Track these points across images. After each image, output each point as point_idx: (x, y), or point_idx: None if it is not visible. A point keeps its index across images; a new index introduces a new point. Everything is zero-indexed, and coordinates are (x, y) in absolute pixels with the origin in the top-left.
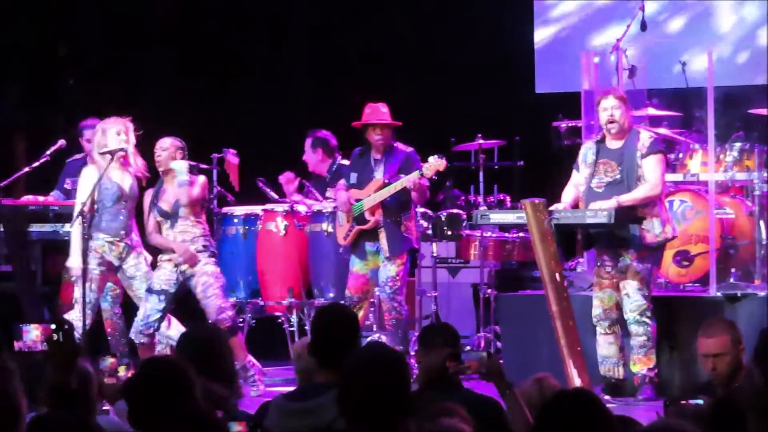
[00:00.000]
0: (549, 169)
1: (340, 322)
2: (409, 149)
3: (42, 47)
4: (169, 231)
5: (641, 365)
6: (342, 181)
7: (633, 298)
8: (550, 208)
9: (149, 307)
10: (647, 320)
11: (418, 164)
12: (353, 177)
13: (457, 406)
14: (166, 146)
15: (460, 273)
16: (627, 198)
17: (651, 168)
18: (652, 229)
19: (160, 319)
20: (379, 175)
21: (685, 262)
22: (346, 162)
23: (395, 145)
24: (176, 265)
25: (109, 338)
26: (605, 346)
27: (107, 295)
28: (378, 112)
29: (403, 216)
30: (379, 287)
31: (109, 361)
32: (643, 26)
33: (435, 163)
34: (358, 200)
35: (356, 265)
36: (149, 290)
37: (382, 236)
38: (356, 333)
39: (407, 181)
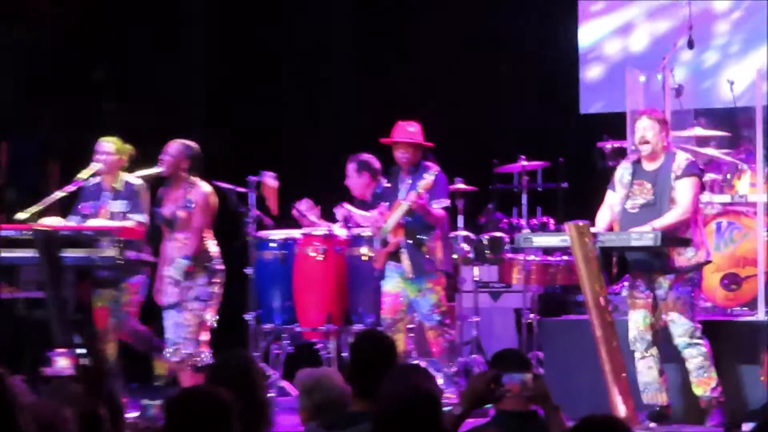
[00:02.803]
0: (594, 190)
1: (378, 349)
2: (435, 169)
3: (79, 70)
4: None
5: (704, 387)
6: (385, 204)
7: (679, 322)
8: (594, 231)
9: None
10: (699, 341)
11: (442, 184)
12: (388, 199)
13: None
14: (173, 153)
15: (503, 297)
16: (660, 223)
17: (683, 191)
18: (685, 253)
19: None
20: (401, 196)
21: (733, 285)
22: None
23: (425, 164)
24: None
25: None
26: (645, 371)
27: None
28: (403, 131)
29: (426, 237)
30: (424, 317)
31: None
32: (690, 44)
33: (424, 181)
34: (386, 223)
35: (385, 286)
36: (170, 306)
37: (404, 258)
38: (394, 361)
39: (406, 201)
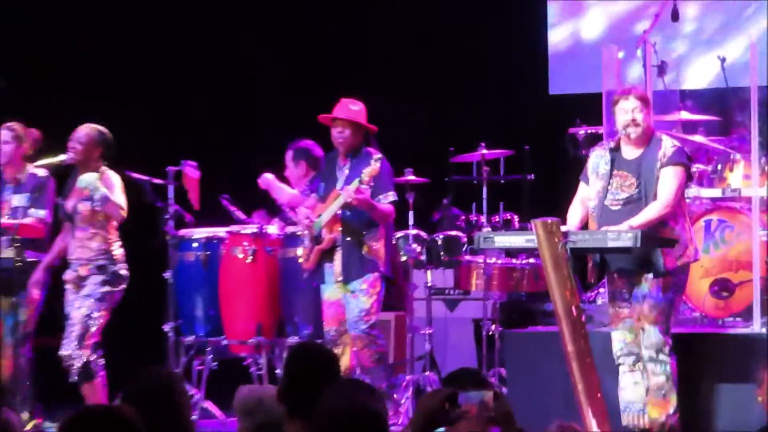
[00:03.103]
0: (565, 183)
1: (317, 364)
2: (377, 155)
3: None
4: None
5: (659, 410)
6: (313, 196)
7: (649, 332)
8: (565, 230)
9: None
10: (665, 357)
11: (387, 174)
12: (322, 188)
13: None
14: (84, 139)
15: (460, 306)
16: (638, 221)
17: (665, 182)
18: (672, 252)
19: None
20: (339, 185)
21: (725, 292)
22: None
23: (367, 150)
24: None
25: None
26: (630, 388)
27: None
28: (343, 108)
29: (366, 234)
30: (350, 323)
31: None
32: (675, 16)
33: (370, 168)
34: (320, 216)
35: (325, 292)
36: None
37: (337, 257)
38: (336, 377)
39: (344, 194)
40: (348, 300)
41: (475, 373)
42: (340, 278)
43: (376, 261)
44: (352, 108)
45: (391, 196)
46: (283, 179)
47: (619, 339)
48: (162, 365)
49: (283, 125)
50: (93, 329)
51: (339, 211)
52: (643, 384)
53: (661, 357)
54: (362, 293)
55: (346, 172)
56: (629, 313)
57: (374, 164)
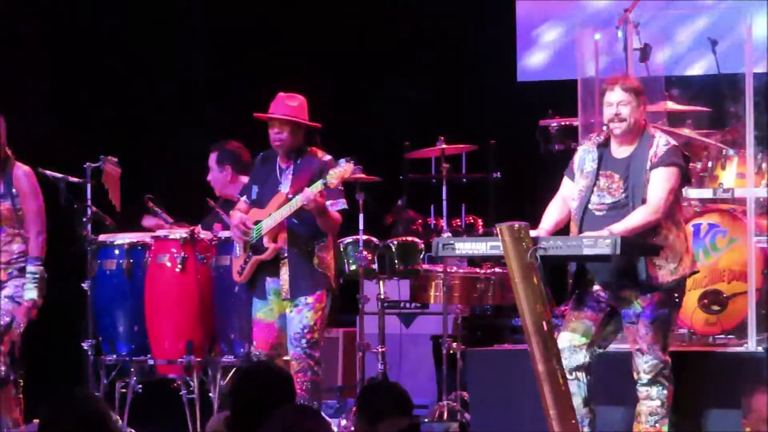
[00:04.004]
0: (534, 182)
1: (271, 387)
2: (327, 157)
3: None
4: None
5: None
6: (243, 199)
7: (648, 355)
8: (535, 234)
9: None
10: (664, 381)
11: None
12: (254, 191)
13: None
14: None
15: (417, 321)
16: (620, 227)
17: (655, 183)
18: (666, 264)
19: None
20: (284, 188)
21: (716, 306)
22: None
23: (311, 150)
24: None
25: None
26: None
27: None
28: (281, 104)
29: (316, 245)
30: (291, 340)
31: None
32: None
33: (339, 169)
34: (258, 222)
35: (260, 311)
36: None
37: (284, 270)
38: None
39: (302, 196)
40: (291, 316)
41: (392, 390)
42: (288, 296)
43: (326, 275)
44: (289, 104)
45: (341, 203)
46: (206, 184)
47: (566, 339)
48: (89, 390)
49: (212, 118)
50: (12, 336)
51: (285, 219)
52: (580, 394)
53: (660, 380)
54: (307, 308)
55: (291, 175)
56: (591, 316)
57: (345, 166)
